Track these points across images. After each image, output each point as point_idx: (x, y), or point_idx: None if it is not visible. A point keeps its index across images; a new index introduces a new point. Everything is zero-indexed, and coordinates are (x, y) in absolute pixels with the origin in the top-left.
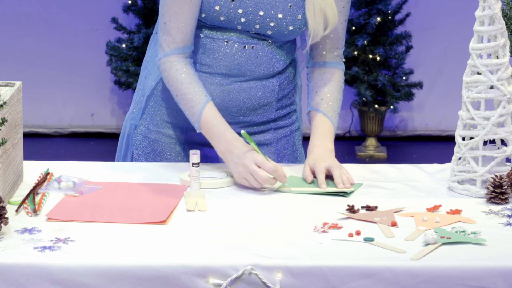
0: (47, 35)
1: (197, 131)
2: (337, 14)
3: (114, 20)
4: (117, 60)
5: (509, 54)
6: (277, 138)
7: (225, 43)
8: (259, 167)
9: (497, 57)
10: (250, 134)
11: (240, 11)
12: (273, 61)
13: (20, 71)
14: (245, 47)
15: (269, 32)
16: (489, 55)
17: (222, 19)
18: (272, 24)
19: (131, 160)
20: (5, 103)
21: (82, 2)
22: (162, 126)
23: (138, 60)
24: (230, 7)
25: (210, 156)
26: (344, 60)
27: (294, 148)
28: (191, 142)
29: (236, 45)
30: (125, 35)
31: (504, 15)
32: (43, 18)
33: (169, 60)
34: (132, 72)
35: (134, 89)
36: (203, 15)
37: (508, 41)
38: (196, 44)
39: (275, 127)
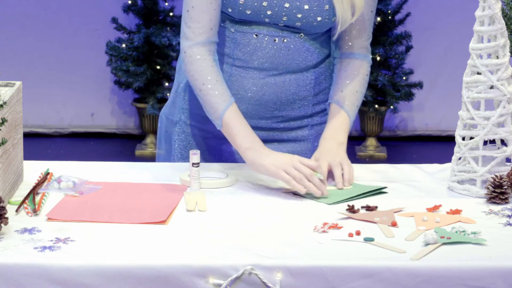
0: (47, 35)
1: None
2: (364, 1)
3: (114, 20)
4: (117, 60)
5: (509, 54)
6: (314, 136)
7: (255, 36)
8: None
9: (497, 57)
10: (286, 129)
11: (265, 3)
12: (306, 54)
13: (20, 71)
14: (275, 40)
15: (298, 24)
16: (489, 55)
17: (248, 12)
18: (299, 16)
19: (173, 156)
20: (5, 103)
21: (82, 2)
22: (201, 121)
23: (138, 60)
24: (254, 0)
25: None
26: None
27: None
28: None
29: (266, 38)
30: (125, 35)
31: (504, 15)
32: (43, 18)
33: (194, 53)
34: (132, 72)
35: (134, 89)
36: (229, 10)
37: (508, 41)
38: (228, 39)
39: (312, 124)
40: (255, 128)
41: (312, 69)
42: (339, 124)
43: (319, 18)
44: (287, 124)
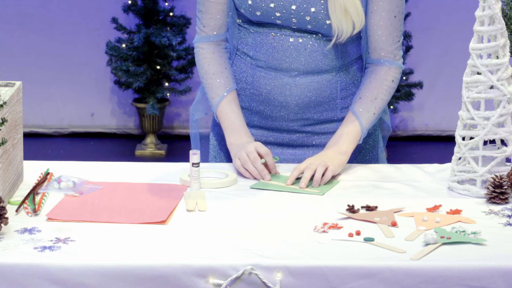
0: (47, 35)
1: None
2: (380, 11)
3: (114, 20)
4: (117, 60)
5: (509, 54)
6: None
7: (272, 36)
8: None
9: (497, 57)
10: (314, 133)
11: (272, 5)
12: (326, 55)
13: (20, 71)
14: (290, 39)
15: (309, 27)
16: (489, 55)
17: (258, 14)
18: (308, 18)
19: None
20: (5, 103)
21: (82, 2)
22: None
23: (138, 60)
24: (262, 2)
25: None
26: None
27: (361, 155)
28: (265, 143)
29: (282, 37)
30: (125, 35)
31: (504, 15)
32: (43, 18)
33: (199, 47)
34: (132, 72)
35: (134, 89)
36: (242, 11)
37: (508, 41)
38: (249, 40)
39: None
40: (281, 131)
41: (337, 72)
42: (346, 133)
43: (328, 22)
44: (315, 127)
